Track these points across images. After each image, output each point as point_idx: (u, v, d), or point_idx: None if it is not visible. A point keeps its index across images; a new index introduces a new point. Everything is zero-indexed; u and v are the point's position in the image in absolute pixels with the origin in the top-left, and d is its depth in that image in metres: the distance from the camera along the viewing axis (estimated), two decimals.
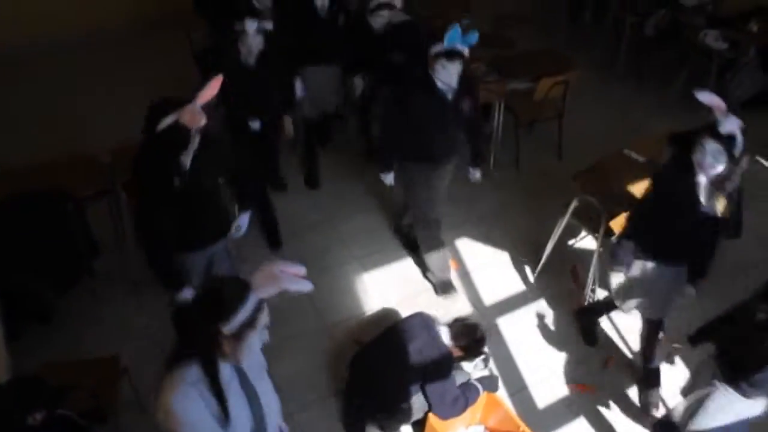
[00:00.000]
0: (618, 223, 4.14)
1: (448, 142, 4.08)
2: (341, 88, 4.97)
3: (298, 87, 4.66)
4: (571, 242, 4.85)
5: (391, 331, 3.55)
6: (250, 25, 3.87)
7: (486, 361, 3.56)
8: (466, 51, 3.74)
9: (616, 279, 3.71)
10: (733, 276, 4.59)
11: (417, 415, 3.40)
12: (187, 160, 2.96)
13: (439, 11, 6.21)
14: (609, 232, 4.16)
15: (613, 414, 3.80)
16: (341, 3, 4.69)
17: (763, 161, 5.90)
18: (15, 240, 3.73)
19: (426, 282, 4.54)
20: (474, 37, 3.71)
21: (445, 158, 4.14)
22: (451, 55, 3.70)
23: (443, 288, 4.42)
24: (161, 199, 3.01)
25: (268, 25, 3.96)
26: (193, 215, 3.14)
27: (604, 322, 4.32)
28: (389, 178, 4.25)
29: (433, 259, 4.38)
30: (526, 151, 5.57)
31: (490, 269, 4.67)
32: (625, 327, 4.30)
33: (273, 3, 4.59)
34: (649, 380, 3.83)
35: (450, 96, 3.87)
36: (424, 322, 3.44)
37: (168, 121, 2.80)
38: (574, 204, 4.27)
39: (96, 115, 5.73)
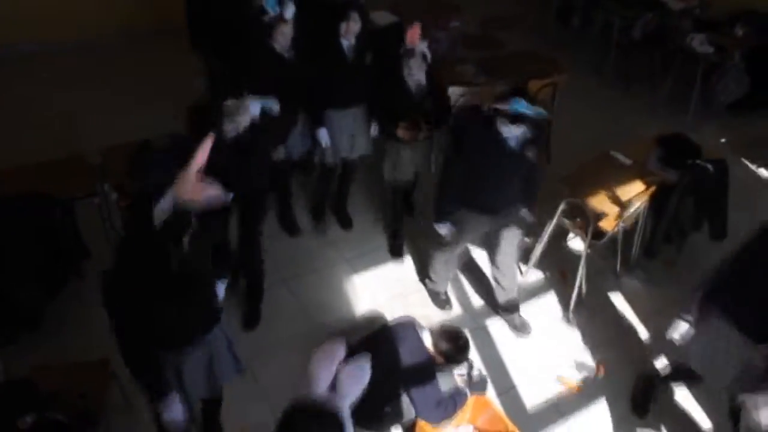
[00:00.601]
0: (606, 224, 4.19)
1: (509, 192, 3.83)
2: (368, 131, 4.55)
3: (323, 136, 4.39)
4: (560, 244, 4.88)
5: (376, 335, 3.57)
6: (254, 108, 3.52)
7: (471, 369, 3.57)
8: (533, 114, 3.50)
9: (680, 329, 3.36)
10: None
11: (407, 416, 3.41)
12: (187, 241, 2.50)
13: (429, 14, 6.22)
14: (597, 233, 4.21)
15: (600, 415, 3.84)
16: (369, 41, 4.33)
17: (748, 163, 5.97)
18: (1, 244, 3.72)
19: (415, 283, 4.56)
20: (540, 111, 3.51)
21: (506, 209, 3.88)
22: (516, 119, 3.50)
23: (435, 299, 4.45)
24: (154, 291, 2.54)
25: (275, 107, 3.74)
26: (189, 302, 2.69)
27: (599, 329, 4.36)
28: (445, 229, 3.96)
29: (437, 271, 4.31)
30: None
31: (479, 272, 4.70)
32: (616, 332, 4.35)
33: (294, 44, 4.11)
34: (648, 387, 3.84)
35: (513, 143, 3.62)
36: (409, 326, 3.46)
37: (165, 207, 2.34)
38: (562, 206, 4.31)
39: (86, 116, 5.72)
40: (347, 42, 4.19)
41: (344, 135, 4.46)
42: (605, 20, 7.18)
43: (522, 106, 3.45)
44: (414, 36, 4.15)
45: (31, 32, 6.46)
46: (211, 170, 2.45)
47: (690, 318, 3.26)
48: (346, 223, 4.99)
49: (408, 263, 4.72)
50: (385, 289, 4.50)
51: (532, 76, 5.32)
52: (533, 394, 3.92)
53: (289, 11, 3.96)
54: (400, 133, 4.28)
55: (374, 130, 4.51)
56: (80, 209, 4.10)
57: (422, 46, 4.19)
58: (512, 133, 3.57)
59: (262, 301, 4.21)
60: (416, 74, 4.18)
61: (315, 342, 4.04)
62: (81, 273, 4.12)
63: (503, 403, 3.80)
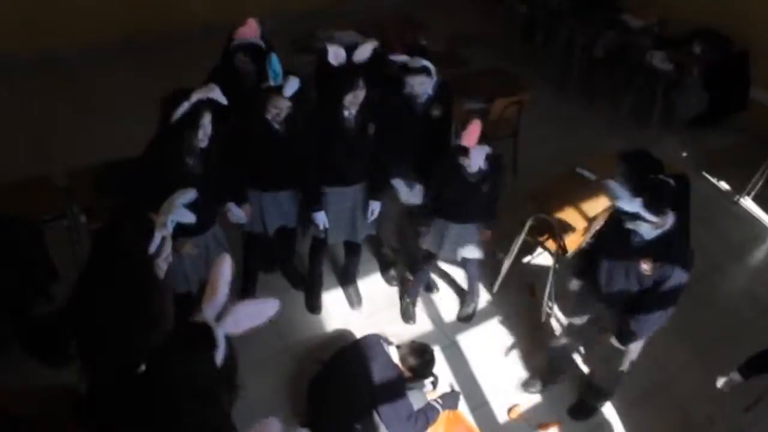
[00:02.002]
0: (573, 240, 4.27)
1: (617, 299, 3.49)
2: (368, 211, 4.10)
3: (321, 219, 3.97)
4: (527, 259, 4.94)
5: (344, 352, 3.61)
6: (183, 216, 2.77)
7: (435, 384, 3.61)
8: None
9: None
10: None
11: None
12: None
13: (395, 32, 6.29)
14: (564, 249, 4.28)
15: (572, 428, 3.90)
16: (371, 111, 3.82)
17: (709, 177, 6.12)
18: None
19: (386, 301, 4.59)
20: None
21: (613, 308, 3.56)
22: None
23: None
24: None
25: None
26: None
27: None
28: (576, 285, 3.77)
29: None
30: None
31: (449, 287, 4.75)
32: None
33: (289, 119, 3.69)
34: None
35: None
36: (375, 342, 3.50)
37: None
38: (530, 222, 4.37)
39: (51, 135, 5.66)
40: (348, 113, 3.73)
41: (344, 216, 4.07)
42: (568, 38, 7.32)
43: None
44: (472, 137, 3.68)
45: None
46: None
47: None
48: (356, 300, 4.56)
49: (379, 282, 4.76)
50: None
51: (499, 93, 5.41)
52: (505, 409, 3.96)
53: (291, 88, 3.55)
54: None
55: (373, 212, 4.08)
56: (48, 231, 4.05)
57: (480, 151, 3.72)
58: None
59: None
60: (475, 163, 3.75)
61: (288, 361, 4.07)
62: (49, 295, 4.06)
63: (476, 419, 3.84)
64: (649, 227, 3.14)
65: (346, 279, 4.61)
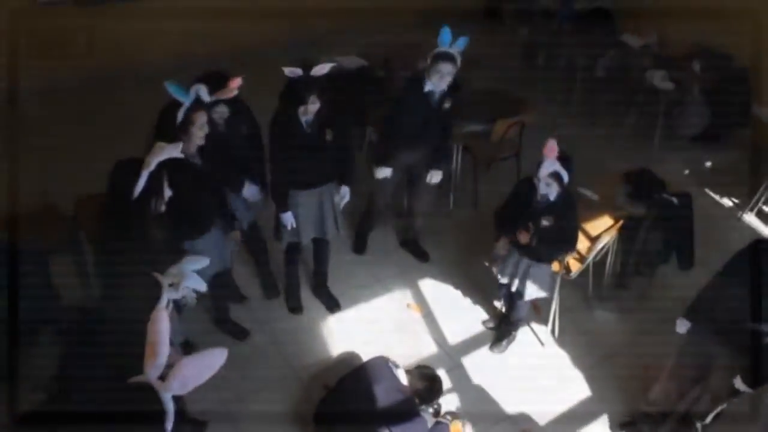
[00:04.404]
0: (577, 259, 4.27)
1: None
2: (337, 208, 4.28)
3: (288, 219, 4.11)
4: None
5: (353, 375, 3.61)
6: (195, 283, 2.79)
7: (438, 411, 3.62)
8: None
9: None
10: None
11: None
12: None
13: (396, 56, 6.35)
14: (568, 269, 4.29)
15: None
16: (329, 118, 3.94)
17: (711, 194, 6.13)
18: None
19: (392, 323, 4.58)
20: None
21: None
22: None
23: None
24: None
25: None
26: None
27: (572, 361, 4.42)
28: None
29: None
30: (484, 190, 5.68)
31: (453, 309, 4.74)
32: (591, 364, 4.40)
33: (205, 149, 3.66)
34: None
35: None
36: (383, 365, 3.51)
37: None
38: None
39: (55, 163, 5.70)
40: (306, 118, 3.88)
41: (311, 214, 4.19)
42: (569, 59, 7.37)
43: None
44: (550, 151, 3.82)
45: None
46: None
47: None
48: (332, 304, 4.68)
49: (384, 305, 4.76)
50: (360, 329, 4.52)
51: (500, 115, 5.45)
52: (512, 430, 3.94)
53: (204, 93, 3.49)
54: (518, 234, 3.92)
55: (343, 196, 4.24)
56: (53, 258, 4.06)
57: (553, 166, 3.78)
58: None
59: None
60: (543, 189, 3.82)
61: (293, 385, 4.07)
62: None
63: None
64: None
65: (318, 282, 4.70)
